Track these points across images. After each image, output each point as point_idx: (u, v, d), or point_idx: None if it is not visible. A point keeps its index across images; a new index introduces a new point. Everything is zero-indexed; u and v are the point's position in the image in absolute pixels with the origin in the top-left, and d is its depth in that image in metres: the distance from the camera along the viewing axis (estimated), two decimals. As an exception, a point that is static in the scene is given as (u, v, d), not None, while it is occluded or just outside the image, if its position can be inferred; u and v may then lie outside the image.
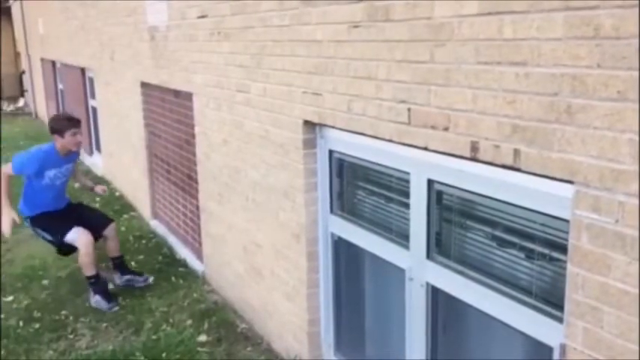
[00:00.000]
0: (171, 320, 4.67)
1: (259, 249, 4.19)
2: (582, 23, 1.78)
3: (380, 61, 2.67)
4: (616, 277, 1.79)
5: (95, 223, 5.11)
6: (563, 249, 2.04)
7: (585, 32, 1.78)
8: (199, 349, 4.25)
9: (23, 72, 20.02)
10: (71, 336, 4.55)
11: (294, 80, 3.40)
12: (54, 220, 4.99)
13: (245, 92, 4.05)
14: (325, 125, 3.26)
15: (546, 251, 2.21)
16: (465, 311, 2.62)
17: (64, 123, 4.91)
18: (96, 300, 4.95)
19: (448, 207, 2.68)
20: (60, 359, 4.25)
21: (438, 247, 2.72)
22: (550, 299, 2.19)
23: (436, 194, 2.68)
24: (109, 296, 4.98)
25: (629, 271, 1.75)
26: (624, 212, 1.74)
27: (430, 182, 2.66)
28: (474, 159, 2.25)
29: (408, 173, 2.78)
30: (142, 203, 7.27)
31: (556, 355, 2.09)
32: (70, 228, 4.93)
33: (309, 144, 3.44)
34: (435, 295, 2.75)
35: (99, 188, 5.53)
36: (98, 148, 9.72)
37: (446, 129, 2.34)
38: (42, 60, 14.80)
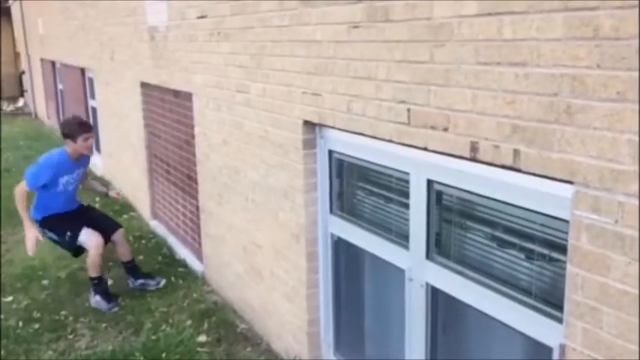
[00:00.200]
0: (170, 320, 4.67)
1: (259, 249, 4.19)
2: (582, 24, 1.79)
3: (379, 61, 2.67)
4: (615, 277, 1.79)
5: (104, 228, 5.11)
6: (562, 249, 2.04)
7: (585, 33, 1.78)
8: (199, 349, 4.25)
9: (23, 72, 20.01)
10: (71, 336, 4.55)
11: (293, 80, 3.40)
12: (63, 221, 4.98)
13: (245, 92, 4.05)
14: (325, 125, 3.26)
15: (546, 251, 2.21)
16: (464, 311, 2.62)
17: (76, 127, 4.86)
18: (96, 300, 4.95)
19: (448, 207, 2.68)
20: (59, 359, 4.25)
21: (438, 247, 2.73)
22: (549, 299, 2.19)
23: (436, 194, 2.68)
24: (109, 297, 4.98)
25: (629, 271, 1.75)
26: (624, 212, 1.74)
27: (430, 182, 2.66)
28: (473, 159, 2.25)
29: (407, 173, 2.79)
30: (142, 203, 7.27)
31: (555, 355, 2.09)
32: (79, 229, 4.92)
33: (309, 144, 3.44)
34: (435, 295, 2.75)
35: (113, 193, 5.52)
36: (98, 149, 9.71)
37: (445, 129, 2.34)
38: (42, 60, 14.80)
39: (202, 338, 4.38)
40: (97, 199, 7.23)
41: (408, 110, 2.53)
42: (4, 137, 12.66)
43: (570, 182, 1.89)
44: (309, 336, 3.70)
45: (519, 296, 2.31)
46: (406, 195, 2.82)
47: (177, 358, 4.14)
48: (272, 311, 4.12)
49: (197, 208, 5.43)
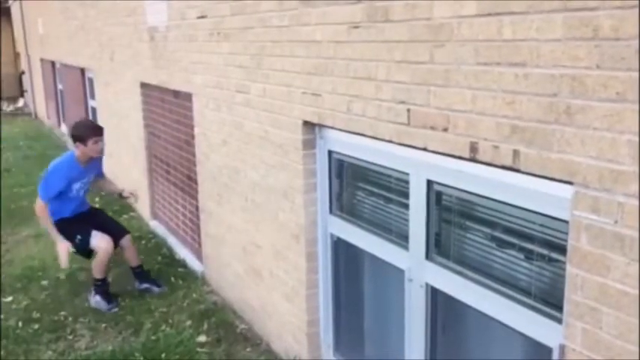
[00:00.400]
0: (170, 321, 4.67)
1: (259, 249, 4.19)
2: (581, 24, 1.79)
3: (379, 61, 2.67)
4: (615, 277, 1.79)
5: (113, 232, 5.10)
6: (562, 250, 2.04)
7: (584, 33, 1.78)
8: (199, 349, 4.24)
9: (23, 72, 20.02)
10: (70, 336, 4.55)
11: (293, 81, 3.40)
12: (73, 225, 4.96)
13: (244, 93, 4.05)
14: (325, 126, 3.26)
15: (545, 252, 2.21)
16: (464, 312, 2.62)
17: (86, 131, 4.84)
18: (96, 300, 4.95)
19: (447, 208, 2.68)
20: (59, 359, 4.26)
21: (438, 247, 2.73)
22: (549, 300, 2.19)
23: (435, 195, 2.68)
24: (109, 297, 4.98)
25: (629, 271, 1.75)
26: (623, 213, 1.74)
27: (429, 183, 2.66)
28: (473, 160, 2.25)
29: (407, 174, 2.79)
30: (142, 203, 7.26)
31: (555, 355, 2.09)
32: (88, 232, 4.92)
33: (309, 144, 3.44)
34: (435, 295, 2.75)
35: (127, 192, 5.49)
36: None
37: (445, 129, 2.34)
38: (41, 60, 14.81)
39: (202, 338, 4.38)
40: (97, 198, 7.24)
41: (408, 110, 2.53)
42: (4, 137, 12.66)
43: (570, 183, 1.89)
44: (309, 336, 3.70)
45: (519, 296, 2.31)
46: (406, 195, 2.82)
47: (177, 358, 4.14)
48: (272, 311, 4.12)
49: (197, 208, 5.43)
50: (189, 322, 4.62)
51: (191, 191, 5.61)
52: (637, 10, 1.63)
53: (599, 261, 1.83)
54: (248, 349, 4.24)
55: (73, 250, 5.02)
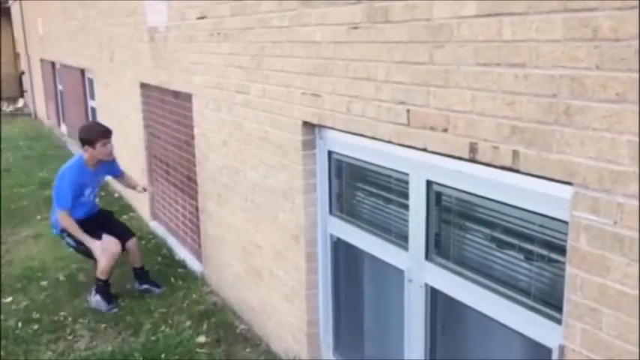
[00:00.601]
0: (170, 321, 4.67)
1: (258, 250, 4.19)
2: (581, 25, 1.79)
3: (379, 62, 2.67)
4: (615, 278, 1.79)
5: (120, 235, 5.10)
6: (561, 250, 2.04)
7: (584, 34, 1.78)
8: (198, 350, 4.24)
9: (23, 72, 20.01)
10: (70, 337, 4.55)
11: (293, 81, 3.40)
12: (84, 228, 4.92)
13: (244, 93, 4.05)
14: (324, 126, 3.26)
15: (545, 252, 2.21)
16: (463, 312, 2.62)
17: (94, 134, 4.84)
18: (96, 300, 4.95)
19: (447, 208, 2.68)
20: (59, 360, 4.25)
21: (437, 248, 2.73)
22: (549, 300, 2.19)
23: (435, 195, 2.68)
24: (109, 298, 4.98)
25: (628, 272, 1.75)
26: (623, 213, 1.74)
27: (429, 183, 2.66)
28: (472, 160, 2.25)
29: (407, 174, 2.79)
30: (142, 204, 7.27)
31: (555, 356, 2.09)
32: (99, 236, 4.91)
33: (309, 145, 3.44)
34: (434, 296, 2.75)
35: (140, 188, 5.50)
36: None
37: (445, 130, 2.34)
38: (41, 60, 14.80)
39: (202, 339, 4.38)
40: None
41: (408, 111, 2.53)
42: (3, 137, 12.66)
43: (569, 183, 1.89)
44: (309, 336, 3.70)
45: (518, 297, 2.31)
46: (405, 196, 2.82)
47: (177, 358, 4.14)
48: (271, 312, 4.12)
49: (197, 208, 5.43)
50: (188, 323, 4.62)
51: (191, 192, 5.61)
52: (636, 10, 1.63)
53: (599, 261, 1.83)
54: (248, 350, 4.24)
55: (81, 248, 5.04)
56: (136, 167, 7.28)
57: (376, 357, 3.40)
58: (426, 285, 2.76)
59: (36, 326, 4.69)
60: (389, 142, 2.70)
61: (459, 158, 2.33)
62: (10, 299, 5.19)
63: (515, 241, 2.35)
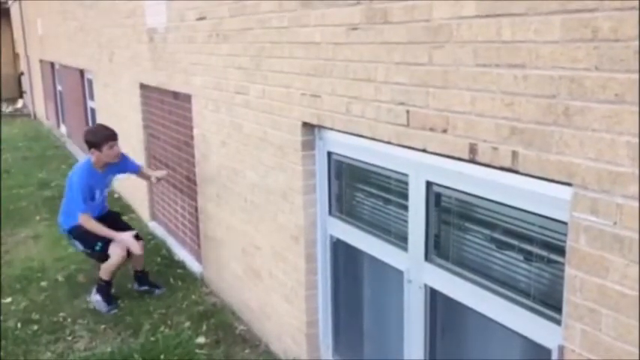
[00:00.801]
0: (169, 322, 4.66)
1: (258, 251, 4.19)
2: (580, 26, 1.79)
3: (378, 63, 2.67)
4: (614, 279, 1.79)
5: None
6: (561, 251, 2.04)
7: (583, 35, 1.78)
8: (197, 350, 4.24)
9: (22, 73, 20.00)
10: (69, 338, 4.54)
11: (292, 82, 3.40)
12: (87, 232, 4.91)
13: (244, 94, 4.05)
14: (324, 127, 3.26)
15: (544, 253, 2.21)
16: (463, 313, 2.62)
17: (100, 137, 4.80)
18: (96, 299, 4.95)
19: (446, 209, 2.68)
20: (58, 361, 4.25)
21: (437, 249, 2.73)
22: (548, 301, 2.19)
23: (434, 196, 2.68)
24: (110, 299, 4.98)
25: (627, 273, 1.75)
26: (622, 214, 1.74)
27: (428, 184, 2.66)
28: (472, 161, 2.25)
29: (406, 175, 2.79)
30: (141, 205, 7.26)
31: (554, 356, 2.09)
32: (101, 237, 4.90)
33: (308, 146, 3.44)
34: (434, 297, 2.75)
35: (154, 178, 5.43)
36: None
37: (444, 131, 2.34)
38: (41, 61, 14.80)
39: (201, 340, 4.38)
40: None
41: (407, 112, 2.53)
42: (3, 138, 12.65)
43: (569, 184, 1.90)
44: (308, 337, 3.70)
45: (518, 298, 2.31)
46: (405, 196, 2.82)
47: (176, 359, 4.14)
48: (271, 313, 4.12)
49: (196, 209, 5.42)
50: (188, 324, 4.62)
51: (190, 192, 5.61)
52: (636, 11, 1.64)
53: (598, 262, 1.83)
54: (247, 351, 4.24)
55: (87, 251, 5.06)
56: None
57: (376, 358, 3.40)
58: (426, 286, 2.76)
59: (35, 327, 4.69)
60: (388, 142, 2.70)
61: (459, 159, 2.33)
62: (9, 300, 5.19)
63: (514, 242, 2.35)
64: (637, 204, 1.70)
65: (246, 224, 4.33)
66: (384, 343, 3.29)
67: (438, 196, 2.67)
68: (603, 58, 1.73)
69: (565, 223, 1.97)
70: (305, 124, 3.38)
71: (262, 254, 4.12)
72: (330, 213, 3.49)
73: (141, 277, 5.28)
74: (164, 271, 5.65)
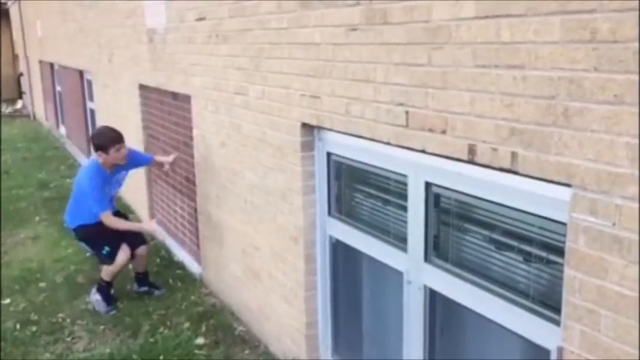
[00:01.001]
0: (168, 323, 4.66)
1: (257, 251, 4.19)
2: (579, 27, 1.79)
3: (378, 63, 2.67)
4: (613, 280, 1.79)
5: (132, 240, 5.08)
6: (560, 252, 2.04)
7: (582, 36, 1.78)
8: (197, 351, 4.24)
9: (21, 74, 20.00)
10: (68, 339, 4.54)
11: (292, 83, 3.40)
12: (99, 233, 4.89)
13: (243, 95, 4.05)
14: (323, 128, 3.26)
15: (543, 254, 2.21)
16: (462, 314, 2.62)
17: (106, 140, 4.76)
18: (96, 299, 4.95)
19: (446, 210, 2.68)
20: (57, 362, 4.24)
21: (436, 250, 2.73)
22: (547, 302, 2.19)
23: (434, 197, 2.68)
24: (109, 300, 4.98)
25: (626, 274, 1.75)
26: (621, 215, 1.74)
27: (428, 185, 2.66)
28: (471, 162, 2.25)
29: (405, 176, 2.79)
30: (140, 205, 7.26)
31: (553, 357, 2.09)
32: (117, 246, 4.91)
33: (307, 146, 3.44)
34: (433, 297, 2.75)
35: (167, 166, 5.40)
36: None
37: (443, 132, 2.34)
38: (40, 62, 14.80)
39: (200, 341, 4.37)
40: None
41: (406, 113, 2.53)
42: (2, 139, 12.64)
43: (568, 185, 1.90)
44: (308, 338, 3.69)
45: (517, 299, 2.31)
46: (404, 197, 2.82)
47: (175, 360, 4.14)
48: (270, 313, 4.12)
49: (195, 210, 5.42)
50: (187, 324, 4.61)
51: (189, 193, 5.60)
52: (634, 12, 1.64)
53: (597, 263, 1.83)
54: (246, 352, 4.23)
55: (93, 253, 5.07)
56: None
57: (375, 359, 3.39)
58: (425, 287, 2.76)
59: (34, 328, 4.69)
60: (388, 143, 2.70)
61: (458, 160, 2.33)
62: (8, 301, 5.19)
63: (513, 243, 2.35)
64: (636, 205, 1.70)
65: (245, 225, 4.33)
66: (384, 345, 3.29)
67: (438, 197, 2.67)
68: (602, 59, 1.73)
69: (564, 224, 1.97)
70: (304, 125, 3.38)
71: (261, 255, 4.12)
72: (329, 214, 3.49)
73: (141, 278, 5.28)
74: (163, 271, 5.64)
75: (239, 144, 4.24)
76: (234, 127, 4.28)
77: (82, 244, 5.15)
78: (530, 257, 2.27)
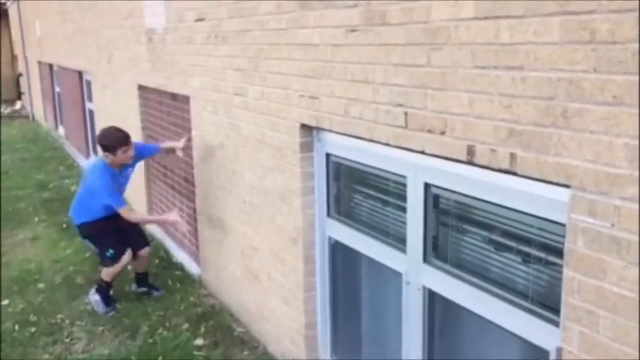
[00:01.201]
0: (167, 324, 4.66)
1: (256, 252, 4.18)
2: (578, 28, 1.79)
3: (377, 64, 2.67)
4: (612, 281, 1.79)
5: (135, 242, 5.08)
6: (559, 253, 2.04)
7: (581, 37, 1.78)
8: (196, 352, 4.24)
9: (20, 75, 19.99)
10: (67, 340, 4.54)
11: (291, 84, 3.40)
12: (104, 233, 4.90)
13: (242, 95, 4.05)
14: (322, 129, 3.26)
15: (542, 255, 2.21)
16: (461, 315, 2.62)
17: (114, 141, 4.72)
18: (95, 299, 4.94)
19: (445, 211, 2.68)
20: (56, 363, 4.24)
21: (435, 250, 2.72)
22: (546, 303, 2.19)
23: (433, 198, 2.68)
24: (108, 300, 4.97)
25: (625, 275, 1.75)
26: (620, 216, 1.74)
27: (427, 186, 2.66)
28: (470, 163, 2.25)
29: (404, 177, 2.79)
30: (139, 206, 7.25)
31: (552, 358, 2.09)
32: (122, 249, 4.90)
33: (306, 147, 3.44)
34: (432, 298, 2.75)
35: (179, 152, 5.21)
36: (95, 151, 9.71)
37: (442, 133, 2.34)
38: (39, 63, 14.80)
39: (199, 342, 4.37)
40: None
41: (405, 114, 2.53)
42: (1, 140, 12.63)
43: (567, 186, 1.90)
44: (307, 339, 3.69)
45: (516, 299, 2.31)
46: (403, 198, 2.82)
47: (174, 361, 4.14)
48: (269, 314, 4.11)
49: (194, 210, 5.42)
50: (186, 325, 4.61)
51: (188, 194, 5.60)
52: (633, 13, 1.64)
53: (596, 264, 1.83)
54: (245, 353, 4.23)
55: (96, 251, 5.06)
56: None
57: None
58: (424, 287, 2.76)
59: (33, 329, 4.68)
60: (387, 144, 2.70)
61: (457, 161, 2.33)
62: (7, 302, 5.18)
63: (512, 244, 2.35)
64: (635, 206, 1.70)
65: (244, 226, 4.33)
66: (383, 346, 3.29)
67: (437, 197, 2.67)
68: (601, 60, 1.73)
69: (563, 225, 1.97)
70: (303, 126, 3.38)
71: (261, 256, 4.12)
72: (328, 215, 3.49)
73: (141, 278, 5.28)
74: (162, 272, 5.64)
75: (238, 145, 4.23)
76: (233, 127, 4.28)
77: (86, 241, 5.14)
78: (529, 258, 2.27)
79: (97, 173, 4.83)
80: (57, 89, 13.04)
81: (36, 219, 7.47)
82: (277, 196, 3.75)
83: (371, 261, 3.18)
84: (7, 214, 7.64)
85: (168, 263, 5.88)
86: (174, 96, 5.60)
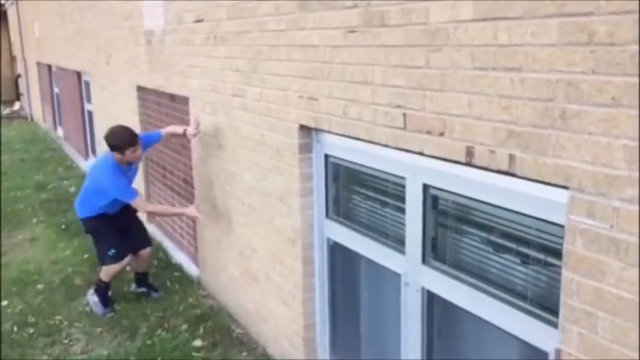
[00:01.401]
0: (166, 325, 4.65)
1: (255, 253, 4.18)
2: (577, 29, 1.79)
3: (376, 66, 2.68)
4: (610, 282, 1.79)
5: (137, 242, 5.08)
6: (558, 254, 2.04)
7: (580, 38, 1.79)
8: (194, 354, 4.23)
9: (19, 76, 19.99)
10: (66, 341, 4.53)
11: (290, 85, 3.40)
12: (108, 231, 4.88)
13: (241, 97, 4.05)
14: (321, 130, 3.26)
15: (541, 256, 2.21)
16: (460, 316, 2.62)
17: (122, 141, 4.67)
18: (94, 300, 4.93)
19: (444, 212, 2.68)
20: (54, 364, 4.23)
21: (434, 252, 2.73)
22: (545, 304, 2.19)
23: (432, 199, 2.68)
24: (107, 301, 4.97)
25: (624, 276, 1.75)
26: (619, 217, 1.74)
27: (426, 187, 2.66)
28: (469, 164, 2.26)
29: (403, 178, 2.79)
30: (138, 207, 7.24)
31: (551, 359, 2.09)
32: (126, 251, 4.90)
33: (305, 148, 3.44)
34: (431, 299, 2.75)
35: (191, 136, 4.91)
36: (94, 152, 9.71)
37: (441, 134, 2.35)
38: (38, 64, 14.79)
39: (198, 343, 4.37)
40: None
41: (404, 115, 2.53)
42: (0, 141, 12.63)
43: (565, 187, 1.90)
44: (305, 340, 3.69)
45: (515, 301, 2.31)
46: (402, 199, 2.82)
47: (173, 362, 4.13)
48: (268, 316, 4.11)
49: (193, 212, 5.41)
50: (185, 327, 4.61)
51: (187, 195, 5.60)
52: (632, 15, 1.64)
53: (595, 265, 1.83)
54: (244, 354, 4.23)
55: (97, 249, 5.05)
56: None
57: (373, 361, 3.39)
58: (423, 289, 2.76)
59: (31, 330, 4.68)
60: (385, 145, 2.70)
61: (456, 162, 2.33)
62: (5, 303, 5.18)
63: (511, 245, 2.35)
64: (634, 207, 1.70)
65: (243, 227, 4.33)
66: (382, 347, 3.29)
67: (435, 199, 2.67)
68: (600, 61, 1.74)
69: (562, 226, 1.97)
70: (302, 127, 3.38)
71: (259, 257, 4.12)
72: (327, 216, 3.49)
73: (141, 278, 5.27)
74: (161, 273, 5.64)
75: (237, 146, 4.23)
76: (232, 129, 4.28)
77: (89, 237, 5.13)
78: (528, 259, 2.27)
79: (105, 171, 4.78)
80: (56, 90, 13.04)
81: (35, 220, 7.46)
82: (276, 197, 3.75)
83: (370, 262, 3.18)
84: (6, 215, 7.64)
85: (167, 264, 5.88)
86: (172, 97, 5.60)
